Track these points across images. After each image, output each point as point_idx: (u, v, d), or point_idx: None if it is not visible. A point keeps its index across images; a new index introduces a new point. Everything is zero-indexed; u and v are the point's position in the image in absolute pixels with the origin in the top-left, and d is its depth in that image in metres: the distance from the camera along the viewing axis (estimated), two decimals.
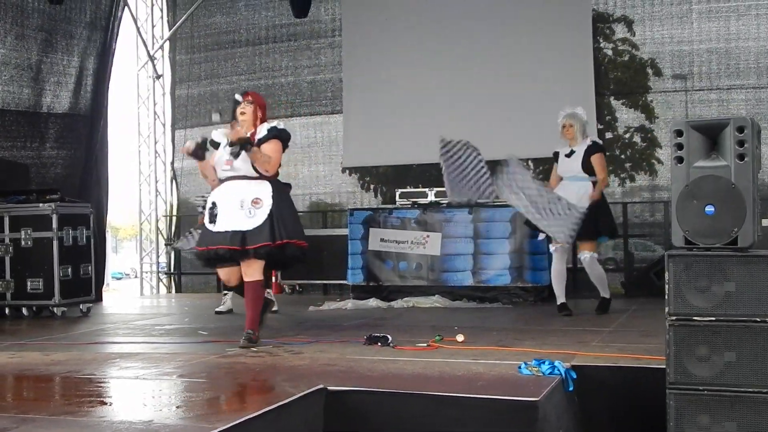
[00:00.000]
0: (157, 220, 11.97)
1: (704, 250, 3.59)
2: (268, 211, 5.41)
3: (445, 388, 3.86)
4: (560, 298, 7.06)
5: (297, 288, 10.55)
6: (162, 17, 11.95)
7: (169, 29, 11.87)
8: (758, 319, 3.48)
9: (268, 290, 6.34)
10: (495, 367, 4.42)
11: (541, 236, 7.32)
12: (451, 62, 10.18)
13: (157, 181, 11.97)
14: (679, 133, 3.66)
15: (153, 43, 11.84)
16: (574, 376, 4.10)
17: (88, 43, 10.24)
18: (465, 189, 7.01)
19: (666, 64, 9.75)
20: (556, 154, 7.12)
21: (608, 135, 10.03)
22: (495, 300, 8.27)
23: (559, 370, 4.09)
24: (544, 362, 4.15)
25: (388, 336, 5.43)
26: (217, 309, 7.99)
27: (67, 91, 10.01)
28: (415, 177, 10.78)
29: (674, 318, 3.59)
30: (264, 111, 5.74)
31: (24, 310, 8.13)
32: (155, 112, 11.90)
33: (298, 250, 5.55)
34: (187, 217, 11.36)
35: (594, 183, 6.90)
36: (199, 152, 5.59)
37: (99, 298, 9.28)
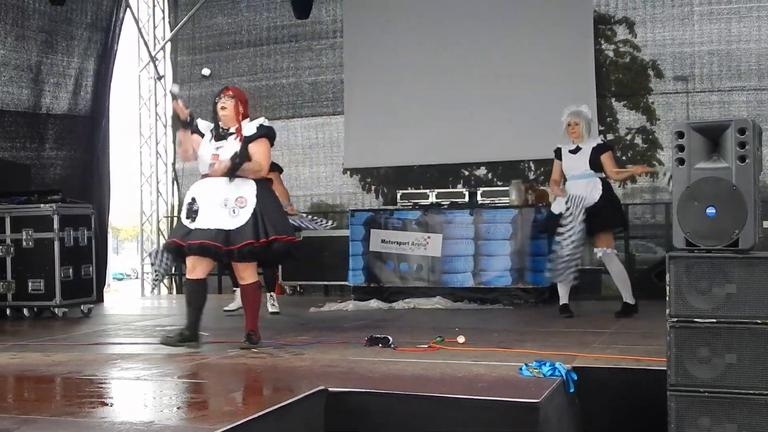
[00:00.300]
0: (158, 221, 11.97)
1: (705, 251, 3.59)
2: (251, 210, 5.29)
3: (445, 390, 3.86)
4: (563, 299, 7.06)
5: (298, 289, 10.56)
6: (163, 18, 11.96)
7: (171, 30, 11.88)
8: (759, 321, 3.48)
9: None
10: (496, 369, 4.42)
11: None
12: (453, 64, 10.18)
13: (158, 182, 11.97)
14: (681, 135, 3.66)
15: (155, 44, 11.84)
16: (575, 378, 4.10)
17: (88, 44, 10.25)
18: None
19: (667, 66, 9.74)
20: (559, 150, 7.10)
21: (609, 136, 10.02)
22: (496, 301, 8.27)
23: (560, 371, 4.09)
24: (545, 364, 4.15)
25: (389, 337, 5.43)
26: (226, 308, 7.96)
27: (67, 92, 10.01)
28: (416, 178, 10.79)
29: (675, 320, 3.59)
30: (246, 106, 5.57)
31: (25, 311, 8.14)
32: (157, 113, 11.91)
33: (285, 245, 5.42)
34: None
35: (601, 179, 6.89)
36: (190, 123, 5.51)
37: (100, 299, 9.29)
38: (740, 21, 9.36)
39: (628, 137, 10.01)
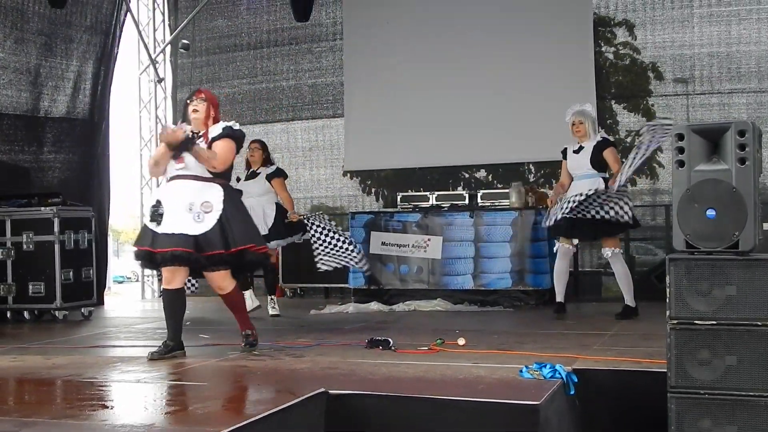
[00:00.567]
0: None
1: (705, 253, 3.59)
2: (217, 217, 5.16)
3: (446, 392, 3.86)
4: (559, 296, 7.07)
5: (298, 291, 10.55)
6: (164, 21, 11.97)
7: (171, 33, 11.88)
8: (759, 323, 3.48)
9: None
10: (496, 371, 4.42)
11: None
12: (453, 66, 10.18)
13: (158, 185, 11.96)
14: (681, 137, 3.66)
15: (155, 47, 11.85)
16: (576, 380, 4.10)
17: (87, 47, 10.25)
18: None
19: (667, 68, 9.74)
20: (565, 151, 7.09)
21: (609, 138, 10.02)
22: (496, 303, 8.28)
23: (560, 373, 4.09)
24: (545, 366, 4.15)
25: (390, 339, 5.43)
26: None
27: (65, 96, 10.01)
28: (417, 181, 10.78)
29: (675, 321, 3.59)
30: (217, 110, 5.49)
31: (25, 314, 8.13)
32: (157, 116, 11.90)
33: (257, 255, 5.36)
34: None
35: (604, 179, 6.87)
36: (187, 146, 5.22)
37: (100, 302, 9.29)
38: (740, 23, 9.36)
39: (628, 139, 10.00)
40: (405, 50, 10.45)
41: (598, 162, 6.86)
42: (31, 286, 8.00)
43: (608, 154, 6.86)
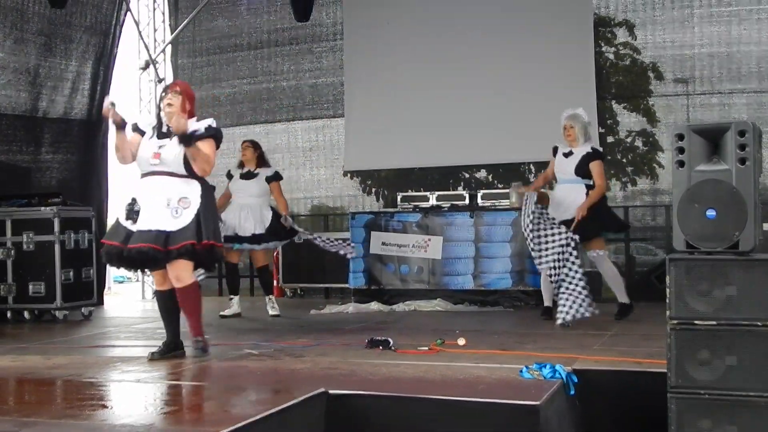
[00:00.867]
0: None
1: (705, 254, 3.59)
2: (195, 211, 5.05)
3: (446, 392, 3.86)
4: (546, 302, 7.08)
5: (298, 291, 10.55)
6: (164, 21, 11.96)
7: (171, 33, 11.88)
8: (759, 323, 3.48)
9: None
10: (496, 371, 4.42)
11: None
12: (453, 66, 10.18)
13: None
14: (681, 137, 3.66)
15: (155, 47, 11.85)
16: (576, 380, 4.10)
17: (87, 47, 10.24)
18: None
19: (667, 68, 9.74)
20: (556, 149, 7.11)
21: (610, 139, 10.03)
22: (496, 303, 8.28)
23: (560, 373, 4.09)
24: (545, 366, 4.15)
25: (390, 339, 5.43)
26: (222, 313, 7.98)
27: (63, 96, 10.00)
28: (417, 181, 10.79)
29: (675, 322, 3.59)
30: (192, 103, 5.34)
31: (26, 314, 8.13)
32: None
33: (219, 253, 5.29)
34: None
35: (587, 186, 6.87)
36: (124, 125, 5.17)
37: (101, 302, 9.28)
38: (740, 23, 9.35)
39: (629, 139, 10.01)
40: (405, 50, 10.45)
41: (583, 171, 6.87)
42: (31, 286, 8.00)
43: (594, 167, 6.86)
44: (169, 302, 5.29)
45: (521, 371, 4.18)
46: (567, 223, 6.72)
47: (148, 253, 4.98)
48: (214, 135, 5.24)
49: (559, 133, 7.09)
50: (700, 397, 3.52)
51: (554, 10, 9.87)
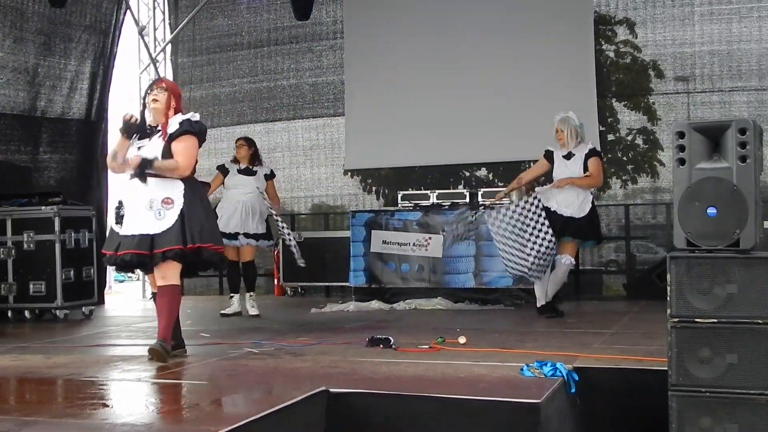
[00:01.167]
0: None
1: (706, 252, 3.59)
2: (178, 212, 4.95)
3: (447, 390, 3.85)
4: (539, 301, 7.08)
5: (299, 290, 10.56)
6: (164, 20, 11.96)
7: (171, 32, 11.88)
8: (760, 321, 3.48)
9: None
10: (497, 369, 4.42)
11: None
12: (453, 65, 10.18)
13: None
14: (681, 135, 3.66)
15: (155, 46, 11.84)
16: (576, 378, 4.10)
17: (86, 46, 10.24)
18: None
19: (668, 66, 9.74)
20: (550, 154, 7.12)
21: (610, 137, 10.03)
22: (497, 302, 8.27)
23: (561, 372, 4.09)
24: (546, 364, 4.15)
25: (390, 338, 5.43)
26: (223, 311, 7.98)
27: (62, 95, 10.00)
28: (417, 179, 10.79)
29: (676, 320, 3.59)
30: (178, 100, 5.20)
31: (26, 313, 8.14)
32: None
33: (214, 255, 5.12)
34: None
35: (591, 193, 6.98)
36: (145, 167, 5.01)
37: (101, 301, 9.29)
38: (741, 21, 9.36)
39: (629, 138, 10.01)
40: (405, 49, 10.45)
41: (587, 169, 6.93)
42: (32, 286, 8.01)
43: (592, 161, 6.94)
44: None
45: (522, 369, 4.18)
46: (570, 219, 6.76)
47: (132, 261, 4.96)
48: (188, 130, 5.09)
49: None
50: (701, 395, 3.52)
51: (554, 8, 9.87)
